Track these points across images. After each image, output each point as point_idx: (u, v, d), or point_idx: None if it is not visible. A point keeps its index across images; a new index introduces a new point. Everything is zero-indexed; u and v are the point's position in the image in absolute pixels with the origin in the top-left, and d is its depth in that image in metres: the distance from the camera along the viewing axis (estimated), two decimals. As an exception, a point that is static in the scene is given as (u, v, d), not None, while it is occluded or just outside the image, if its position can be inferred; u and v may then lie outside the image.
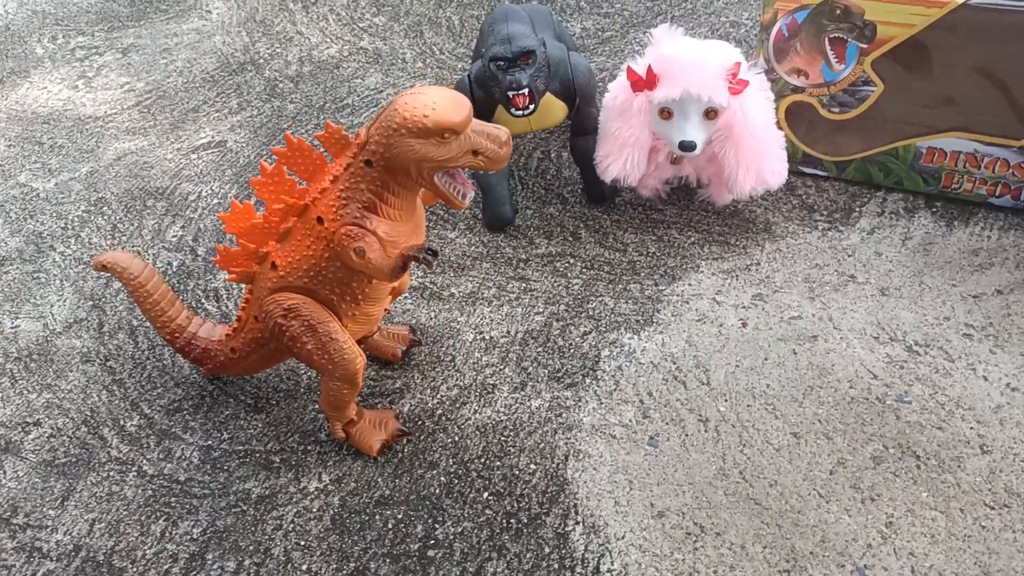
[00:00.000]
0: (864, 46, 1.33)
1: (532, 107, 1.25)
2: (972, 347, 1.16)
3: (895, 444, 1.05)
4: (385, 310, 1.07)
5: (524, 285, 1.32)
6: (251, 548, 1.01)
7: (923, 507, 0.99)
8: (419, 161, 0.90)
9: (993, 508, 0.97)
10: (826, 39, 1.34)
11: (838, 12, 1.32)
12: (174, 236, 1.48)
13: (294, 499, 1.06)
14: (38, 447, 1.15)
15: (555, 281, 1.33)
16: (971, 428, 1.06)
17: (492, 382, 1.18)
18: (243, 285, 1.37)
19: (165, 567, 1.00)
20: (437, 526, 1.01)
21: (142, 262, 1.11)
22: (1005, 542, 0.94)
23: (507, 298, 1.30)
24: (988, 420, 1.06)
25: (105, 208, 1.56)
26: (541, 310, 1.28)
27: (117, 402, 1.20)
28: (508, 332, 1.25)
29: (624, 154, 1.32)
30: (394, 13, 2.09)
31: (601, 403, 1.13)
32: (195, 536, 1.03)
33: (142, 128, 1.77)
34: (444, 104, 0.88)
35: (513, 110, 1.25)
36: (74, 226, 1.53)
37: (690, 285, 1.30)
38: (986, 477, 1.00)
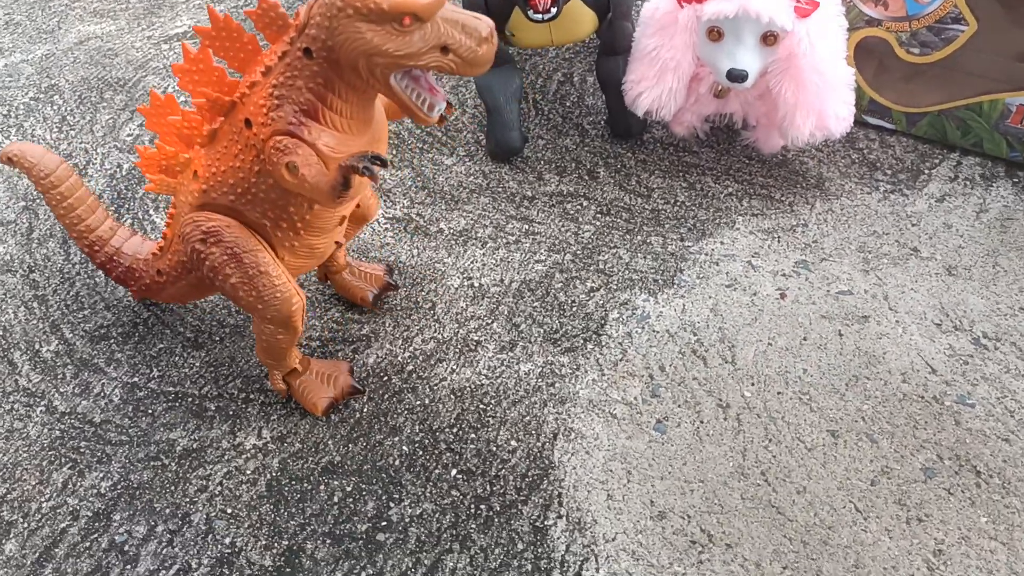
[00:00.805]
0: (958, -25, 1.10)
1: (555, 10, 1.04)
2: (1054, 346, 0.96)
3: (951, 455, 0.87)
4: (337, 243, 0.87)
5: (526, 227, 1.13)
6: (168, 512, 0.84)
7: (980, 535, 0.81)
8: (369, 54, 0.68)
9: (1073, 549, 0.79)
10: (913, -37, 1.12)
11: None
12: (129, 135, 1.28)
13: (226, 456, 0.88)
14: (-59, 365, 0.98)
15: (563, 225, 1.13)
16: (1049, 446, 0.87)
17: (476, 338, 0.99)
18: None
19: (62, 525, 0.83)
20: (392, 504, 0.84)
21: (57, 158, 0.91)
22: (1087, 594, 0.76)
23: (504, 240, 1.11)
24: (1071, 438, 0.87)
25: (56, 97, 1.36)
26: (543, 258, 1.08)
27: (35, 322, 1.02)
28: (501, 280, 1.06)
29: (661, 80, 1.10)
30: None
31: (603, 374, 0.95)
32: (103, 491, 0.86)
33: (111, 11, 1.56)
34: None
35: (532, 12, 1.04)
36: (18, 114, 1.33)
37: (722, 243, 1.10)
38: (1066, 509, 0.82)
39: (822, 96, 1.06)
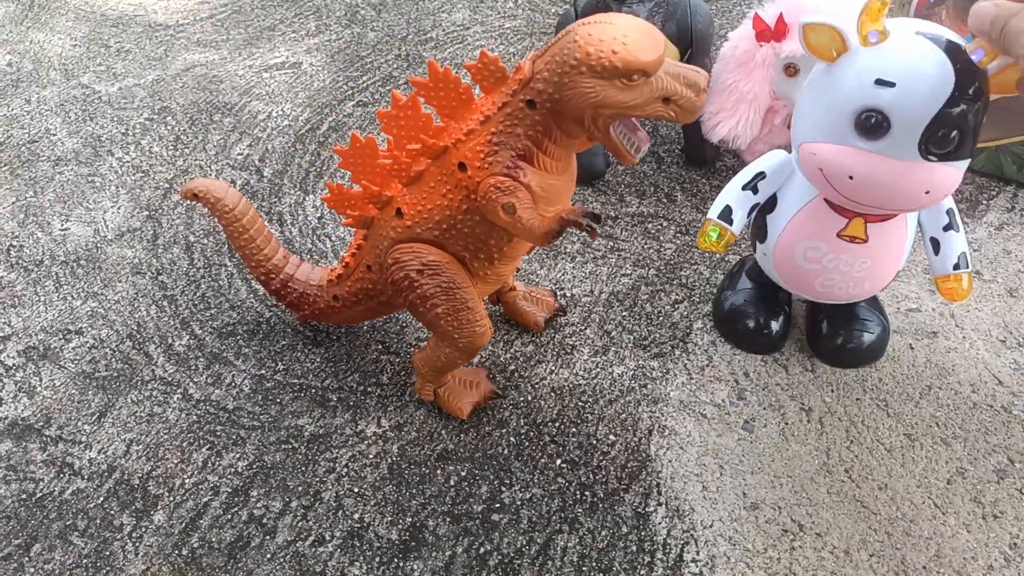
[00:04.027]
0: None
1: (647, 47, 1.13)
2: (1115, 364, 1.03)
3: (1022, 459, 0.93)
4: (516, 269, 0.94)
5: (611, 244, 1.21)
6: (300, 489, 0.92)
7: (1054, 534, 0.87)
8: (598, 106, 0.73)
9: None
10: (976, 8, 1.20)
11: (995, -22, 1.18)
12: (239, 154, 1.39)
13: (349, 442, 0.97)
14: (78, 357, 1.07)
15: (646, 243, 1.21)
16: (1114, 452, 0.94)
17: (571, 343, 1.07)
18: (315, 216, 1.27)
19: (205, 499, 0.92)
20: (504, 489, 0.92)
21: (237, 193, 0.98)
22: None
23: (592, 255, 1.20)
24: None
25: (169, 118, 1.48)
26: (629, 272, 1.17)
27: (167, 319, 1.12)
28: (591, 291, 1.14)
29: (738, 112, 1.20)
30: (485, -50, 1.97)
31: (691, 378, 1.03)
32: (240, 470, 0.94)
33: (214, 41, 1.68)
34: (636, 38, 0.71)
35: (625, 48, 1.13)
36: (135, 133, 1.45)
37: (795, 262, 1.18)
38: None
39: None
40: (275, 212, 1.28)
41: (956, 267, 0.89)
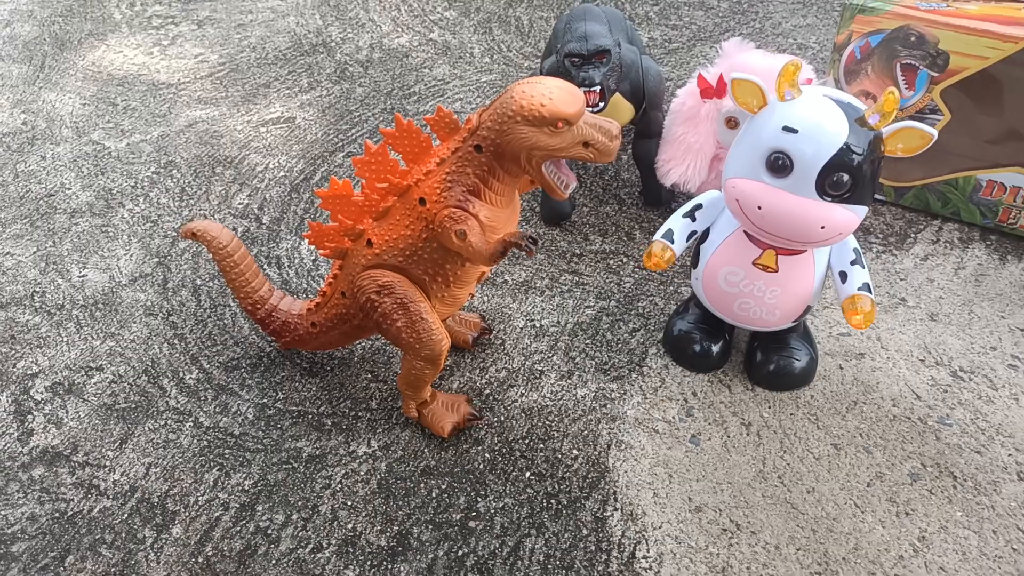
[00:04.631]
0: (935, 75, 1.34)
1: (602, 104, 1.28)
2: (1017, 378, 1.17)
3: (933, 463, 1.07)
4: (470, 294, 1.09)
5: (576, 279, 1.35)
6: (300, 503, 1.05)
7: (956, 525, 1.00)
8: (530, 149, 0.91)
9: (1030, 534, 0.98)
10: (898, 65, 1.36)
11: (912, 39, 1.33)
12: (240, 203, 1.53)
13: (343, 461, 1.09)
14: (100, 391, 1.20)
15: (607, 278, 1.35)
16: (1009, 455, 1.07)
17: (540, 368, 1.21)
18: (309, 258, 1.41)
19: (216, 514, 1.04)
20: (479, 499, 1.04)
21: (230, 233, 1.13)
22: (1040, 567, 0.95)
23: (559, 289, 1.33)
24: (1030, 449, 1.07)
25: (174, 171, 1.62)
26: (592, 304, 1.31)
27: (178, 355, 1.25)
28: (558, 322, 1.28)
29: (687, 160, 1.34)
30: (465, 9, 2.13)
31: (646, 398, 1.16)
32: (246, 488, 1.07)
33: (214, 98, 1.83)
34: (560, 95, 0.89)
35: (583, 107, 1.28)
36: (143, 185, 1.59)
37: (740, 293, 1.32)
38: (1021, 502, 1.01)
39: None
40: (273, 256, 1.42)
41: (859, 289, 1.03)
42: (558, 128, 0.89)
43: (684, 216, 1.12)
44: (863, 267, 1.04)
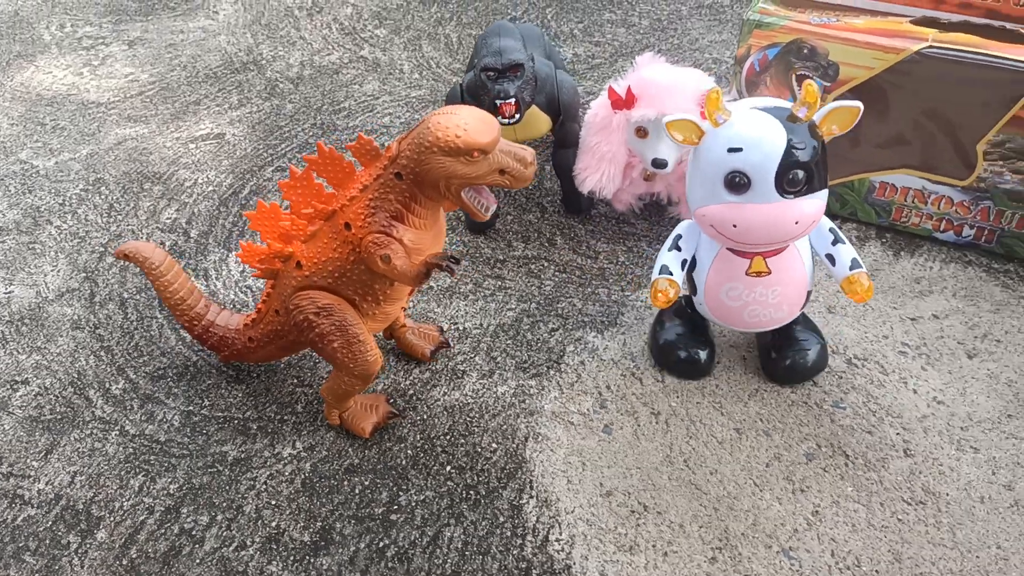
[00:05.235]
0: (827, 84, 1.44)
1: (518, 116, 1.34)
2: (906, 363, 1.25)
3: (827, 444, 1.14)
4: (402, 308, 1.12)
5: (499, 283, 1.41)
6: (224, 505, 1.07)
7: (847, 500, 1.07)
8: (448, 177, 0.94)
9: (910, 504, 1.06)
10: (793, 75, 1.45)
11: (805, 51, 1.43)
12: (168, 218, 1.55)
13: (268, 463, 1.12)
14: (25, 403, 1.21)
15: (529, 281, 1.41)
16: (897, 434, 1.15)
17: (463, 368, 1.25)
18: (237, 270, 1.44)
19: (141, 518, 1.06)
20: (401, 493, 1.08)
21: (163, 252, 1.15)
22: (917, 534, 1.03)
23: (482, 294, 1.39)
24: (913, 428, 1.15)
25: (103, 188, 1.63)
26: (513, 307, 1.36)
27: (104, 367, 1.26)
28: (481, 324, 1.33)
29: (601, 168, 1.41)
30: (395, 27, 2.19)
31: (562, 393, 1.22)
32: (171, 492, 1.09)
33: (143, 116, 1.85)
34: (475, 125, 0.92)
35: (500, 118, 1.34)
36: (71, 203, 1.60)
37: (653, 292, 1.39)
38: (906, 477, 1.09)
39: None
40: (201, 268, 1.44)
41: (851, 268, 1.10)
42: (474, 157, 0.93)
43: (670, 250, 1.15)
44: (844, 243, 1.11)
